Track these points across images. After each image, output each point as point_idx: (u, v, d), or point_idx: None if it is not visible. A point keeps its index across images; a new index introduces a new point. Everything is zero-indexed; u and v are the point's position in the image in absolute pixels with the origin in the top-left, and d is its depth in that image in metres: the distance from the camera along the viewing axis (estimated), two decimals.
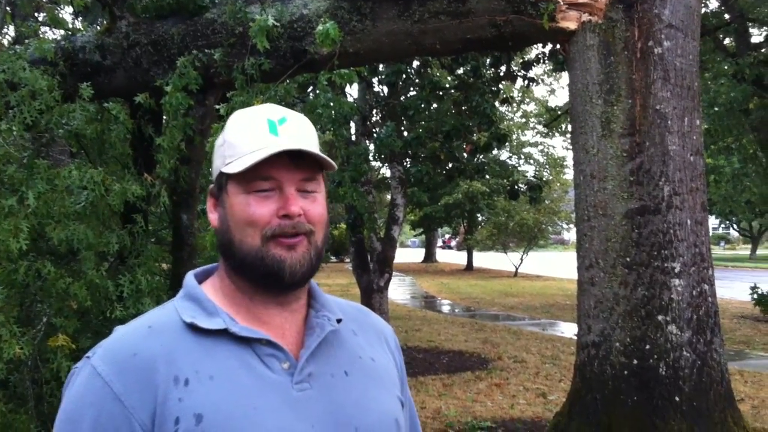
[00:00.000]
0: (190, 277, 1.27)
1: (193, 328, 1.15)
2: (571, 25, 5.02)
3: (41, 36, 6.32)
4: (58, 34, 7.35)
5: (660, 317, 4.68)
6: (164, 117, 4.93)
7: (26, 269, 3.96)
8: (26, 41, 5.21)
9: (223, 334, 1.15)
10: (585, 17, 5.00)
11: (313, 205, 1.20)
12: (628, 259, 4.76)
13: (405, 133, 10.37)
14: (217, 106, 4.56)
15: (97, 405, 1.07)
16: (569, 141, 34.68)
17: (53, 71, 4.64)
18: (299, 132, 1.20)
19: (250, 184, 1.17)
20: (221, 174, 1.21)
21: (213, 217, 1.26)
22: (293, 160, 1.17)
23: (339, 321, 1.27)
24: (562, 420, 5.08)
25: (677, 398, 4.61)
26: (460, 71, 10.73)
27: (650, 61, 4.84)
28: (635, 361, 4.71)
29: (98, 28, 5.64)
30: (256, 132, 1.18)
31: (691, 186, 4.81)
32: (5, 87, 4.10)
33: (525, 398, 7.80)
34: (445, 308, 19.15)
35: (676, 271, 4.70)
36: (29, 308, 4.26)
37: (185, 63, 4.65)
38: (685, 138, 4.83)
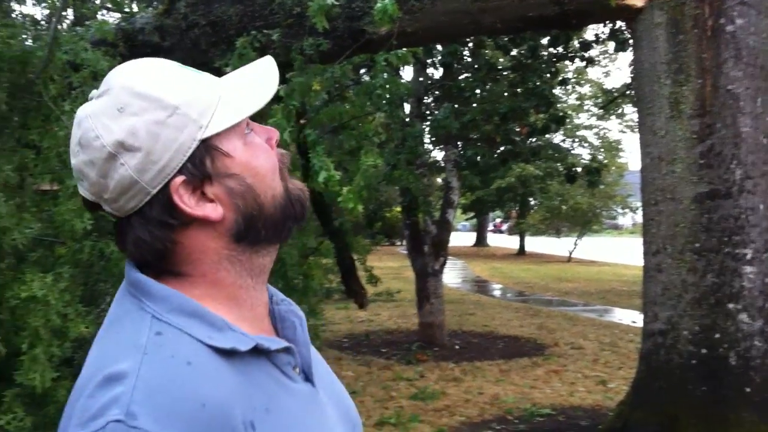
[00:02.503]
0: (161, 285, 0.90)
1: (225, 353, 0.86)
2: (638, 2, 4.85)
3: (100, 18, 6.37)
4: (115, 16, 7.41)
5: (730, 305, 4.52)
6: None
7: (90, 249, 3.98)
8: (86, 23, 5.24)
9: (248, 352, 0.88)
10: None
11: None
12: (697, 245, 4.60)
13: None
14: (277, 87, 4.51)
15: None
16: (625, 124, 34.18)
17: (113, 52, 4.65)
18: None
19: (241, 125, 0.92)
20: (201, 144, 0.89)
21: (209, 208, 0.90)
22: None
23: None
24: (626, 409, 4.96)
25: (747, 389, 4.45)
26: (515, 52, 10.55)
27: (721, 39, 4.65)
28: (704, 350, 4.56)
29: (154, 9, 5.65)
30: (198, 79, 0.92)
31: (764, 169, 4.62)
32: (68, 68, 4.11)
33: (584, 385, 7.66)
34: (498, 293, 19.01)
35: (748, 257, 4.53)
36: (93, 287, 4.29)
37: (244, 44, 4.62)
38: (758, 119, 4.64)
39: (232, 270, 0.93)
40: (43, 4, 6.47)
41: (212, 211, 0.90)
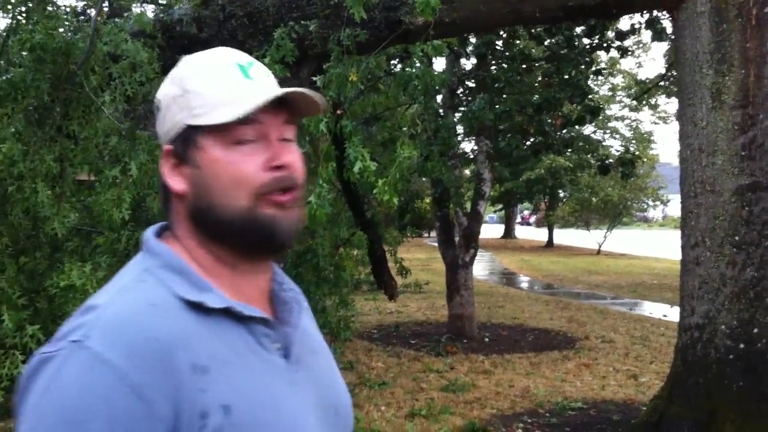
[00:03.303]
0: (157, 242, 1.07)
1: (196, 307, 0.97)
2: None
3: (139, 9, 6.41)
4: (149, 8, 7.45)
5: None
6: None
7: (127, 239, 4.03)
8: (125, 14, 5.28)
9: (222, 313, 0.99)
10: None
11: (296, 156, 1.06)
12: (737, 238, 4.54)
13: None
14: (314, 78, 4.52)
15: (110, 401, 0.86)
16: (658, 115, 33.80)
17: (152, 43, 4.68)
18: (269, 75, 1.08)
19: (232, 133, 1.01)
20: (189, 128, 1.03)
21: (174, 181, 1.05)
22: (274, 105, 1.02)
23: None
24: (661, 403, 4.91)
25: None
26: (548, 42, 10.45)
27: (766, 28, 4.57)
28: (742, 345, 4.50)
29: (192, 0, 5.67)
30: (229, 78, 1.03)
31: None
32: (108, 59, 4.15)
33: (615, 379, 7.61)
34: (527, 285, 18.93)
35: None
36: None
37: (282, 35, 4.62)
38: None
39: (202, 250, 1.05)
40: None
41: (176, 183, 1.05)
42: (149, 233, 1.08)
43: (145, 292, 0.98)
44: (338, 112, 4.76)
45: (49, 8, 4.71)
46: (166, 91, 1.07)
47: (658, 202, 32.72)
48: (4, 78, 3.96)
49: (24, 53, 4.14)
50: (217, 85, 1.02)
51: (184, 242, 1.06)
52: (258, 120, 1.02)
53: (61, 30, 4.31)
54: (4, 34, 4.65)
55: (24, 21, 4.42)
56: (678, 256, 4.98)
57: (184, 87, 1.04)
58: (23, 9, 4.53)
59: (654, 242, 36.28)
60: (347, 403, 1.16)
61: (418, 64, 5.82)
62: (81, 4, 6.84)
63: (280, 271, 1.18)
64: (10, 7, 4.59)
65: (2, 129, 3.62)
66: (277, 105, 1.02)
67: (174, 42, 5.13)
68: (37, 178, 3.63)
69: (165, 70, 4.72)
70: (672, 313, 12.05)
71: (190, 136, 1.03)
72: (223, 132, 1.01)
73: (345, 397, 1.16)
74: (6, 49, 4.64)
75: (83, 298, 3.53)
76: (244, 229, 1.01)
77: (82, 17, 5.71)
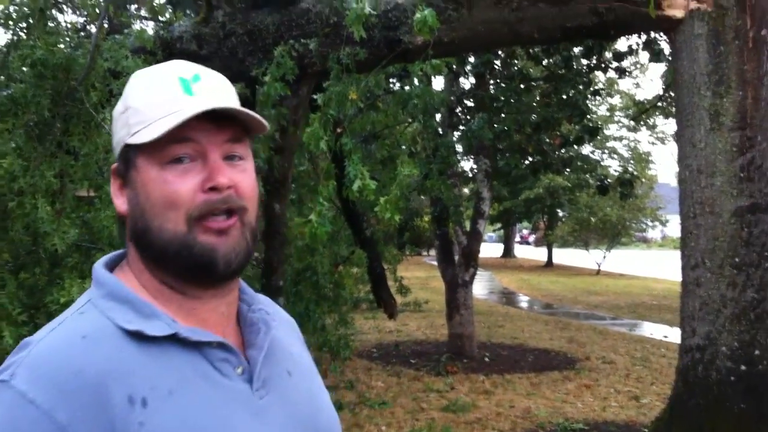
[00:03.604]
0: (103, 271, 1.01)
1: (137, 336, 0.92)
2: (678, 13, 4.81)
3: (139, 26, 6.44)
4: (150, 24, 7.48)
5: None
6: (257, 107, 4.94)
7: None
8: (125, 31, 5.30)
9: (170, 339, 0.94)
10: (693, 5, 4.77)
11: (243, 176, 0.99)
12: (737, 260, 4.53)
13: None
14: (314, 96, 4.53)
15: None
16: (656, 135, 33.90)
17: (152, 60, 4.69)
18: (217, 89, 1.00)
19: (165, 152, 0.95)
20: (127, 147, 0.98)
21: (119, 202, 1.02)
22: (215, 121, 0.96)
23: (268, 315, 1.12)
24: (662, 426, 4.88)
25: None
26: (546, 62, 10.50)
27: (763, 50, 4.60)
28: (743, 367, 4.48)
29: (192, 18, 5.70)
30: (166, 93, 0.97)
31: None
32: (109, 75, 4.15)
33: (617, 401, 7.57)
34: (526, 304, 18.88)
35: None
36: None
37: (282, 53, 4.63)
38: None
39: (148, 274, 1.00)
40: (83, 12, 6.57)
41: (120, 204, 1.02)
42: (99, 262, 1.03)
43: (80, 324, 0.94)
44: (338, 130, 4.77)
45: (50, 24, 4.73)
46: (116, 107, 1.03)
47: (656, 223, 32.73)
48: (5, 93, 3.97)
49: (25, 69, 4.15)
50: (153, 100, 0.97)
51: (133, 267, 1.02)
52: (192, 138, 0.95)
53: (62, 46, 4.32)
54: (5, 49, 4.67)
55: (25, 37, 4.44)
56: (678, 276, 4.96)
57: (126, 103, 1.00)
58: (24, 25, 4.56)
59: (653, 262, 36.25)
60: (332, 425, 1.11)
61: (417, 83, 5.84)
62: (81, 20, 6.87)
63: (250, 290, 1.13)
64: (11, 22, 4.62)
65: (3, 144, 3.63)
66: (216, 121, 0.96)
67: (174, 58, 5.10)
68: (38, 194, 3.63)
69: None
70: (672, 334, 12.01)
71: (128, 156, 0.99)
72: (158, 151, 0.95)
73: (328, 418, 1.11)
74: (7, 64, 4.65)
75: None
76: (179, 256, 0.96)
77: (82, 33, 5.73)
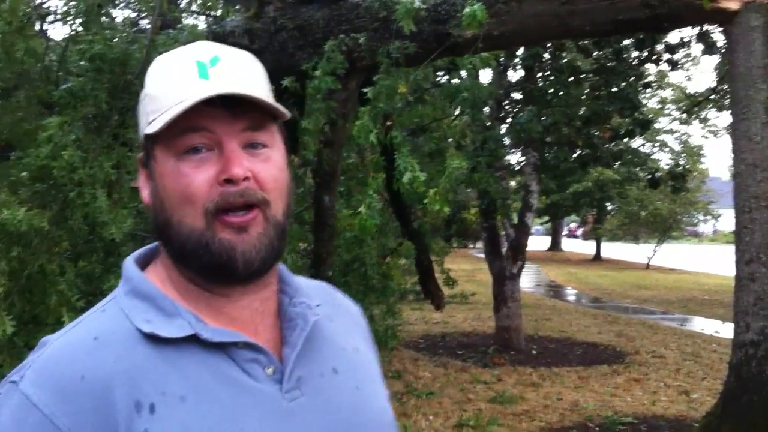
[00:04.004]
0: (131, 266, 0.97)
1: (152, 338, 0.88)
2: (733, 5, 4.72)
3: (192, 21, 6.55)
4: (200, 20, 7.60)
5: None
6: (307, 101, 4.99)
7: None
8: (178, 26, 5.40)
9: (190, 341, 0.89)
10: None
11: (265, 166, 0.91)
12: None
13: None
14: (364, 89, 4.57)
15: None
16: (708, 129, 33.25)
17: None
18: (236, 73, 0.92)
19: (179, 142, 0.89)
20: (146, 137, 0.93)
21: (144, 194, 0.97)
22: (230, 108, 0.89)
23: (317, 306, 1.03)
24: (714, 421, 4.83)
25: None
26: (596, 54, 10.37)
27: None
28: None
29: (244, 12, 5.77)
30: (181, 78, 0.90)
31: None
32: None
33: (666, 395, 7.49)
34: (574, 298, 18.72)
35: None
36: None
37: (332, 47, 4.68)
38: None
39: (176, 270, 0.95)
40: (136, 7, 6.71)
41: (145, 195, 0.97)
42: (130, 256, 0.99)
43: (96, 324, 0.91)
44: (387, 123, 4.80)
45: (105, 19, 4.85)
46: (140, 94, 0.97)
47: (708, 217, 32.10)
48: (64, 87, 4.08)
49: (83, 63, 4.27)
50: (167, 86, 0.91)
51: (164, 261, 0.97)
52: (205, 127, 0.89)
53: (117, 40, 4.43)
54: (63, 44, 4.81)
55: (83, 32, 4.55)
56: (730, 271, 4.90)
57: (145, 90, 0.95)
58: (81, 20, 4.67)
59: (704, 257, 35.57)
60: (373, 426, 1.01)
61: (464, 75, 5.83)
62: (133, 15, 7.02)
63: (295, 281, 1.06)
64: (70, 18, 4.74)
65: (63, 136, 3.73)
66: (232, 107, 0.89)
67: None
68: (96, 184, 3.73)
69: None
70: (724, 330, 11.80)
71: (147, 145, 0.94)
72: (173, 141, 0.90)
73: (371, 419, 1.01)
74: (65, 58, 4.79)
75: None
76: (197, 254, 0.90)
77: (135, 29, 5.85)
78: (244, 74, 0.93)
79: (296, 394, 0.93)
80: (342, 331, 1.07)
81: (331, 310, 1.08)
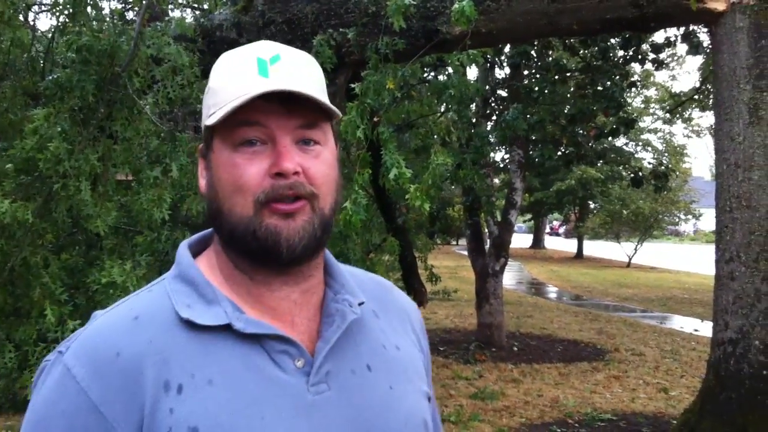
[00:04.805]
0: (184, 251, 1.03)
1: (188, 322, 0.93)
2: (720, 6, 4.77)
3: (180, 14, 6.52)
4: (188, 12, 7.56)
5: None
6: None
7: (166, 238, 4.11)
8: (166, 18, 5.38)
9: (225, 328, 0.93)
10: None
11: (315, 162, 0.96)
12: None
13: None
14: (351, 85, 4.57)
15: (70, 415, 0.88)
16: (692, 128, 33.48)
17: (193, 48, 4.76)
18: (294, 71, 0.96)
19: (235, 134, 0.94)
20: (206, 128, 0.98)
21: (202, 183, 1.02)
22: (286, 104, 0.94)
23: (361, 304, 1.05)
24: (692, 418, 4.88)
25: None
26: (582, 53, 10.42)
27: None
28: None
29: (232, 6, 5.76)
30: (241, 74, 0.95)
31: None
32: (151, 62, 4.23)
33: (645, 392, 7.56)
34: (556, 296, 18.82)
35: None
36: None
37: (321, 42, 4.68)
38: None
39: (224, 256, 1.01)
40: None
41: (202, 184, 1.03)
42: (185, 241, 1.06)
43: (140, 303, 0.97)
44: (375, 119, 4.81)
45: (93, 11, 4.81)
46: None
47: (690, 216, 32.36)
48: (50, 78, 4.05)
49: (70, 54, 4.24)
50: (229, 81, 0.96)
51: (216, 248, 1.03)
52: (260, 122, 0.94)
53: (104, 32, 4.40)
54: (50, 35, 4.77)
55: (70, 23, 4.52)
56: (710, 270, 4.96)
57: (209, 84, 1.00)
58: (69, 11, 4.64)
59: (685, 256, 35.87)
60: (402, 426, 1.00)
61: (451, 72, 5.85)
62: (119, 6, 6.97)
63: (345, 278, 1.09)
64: (57, 9, 4.71)
65: (49, 128, 3.71)
66: (287, 104, 0.94)
67: (214, 46, 5.21)
68: (81, 177, 3.71)
69: (204, 74, 4.82)
70: (703, 328, 11.92)
71: (207, 137, 1.00)
72: (229, 133, 0.95)
73: (401, 419, 1.01)
74: (52, 50, 4.76)
75: (123, 294, 3.62)
76: (246, 239, 0.95)
77: (123, 20, 5.81)
78: (302, 73, 0.97)
79: (322, 388, 0.95)
80: (387, 329, 1.10)
81: (378, 307, 1.11)
